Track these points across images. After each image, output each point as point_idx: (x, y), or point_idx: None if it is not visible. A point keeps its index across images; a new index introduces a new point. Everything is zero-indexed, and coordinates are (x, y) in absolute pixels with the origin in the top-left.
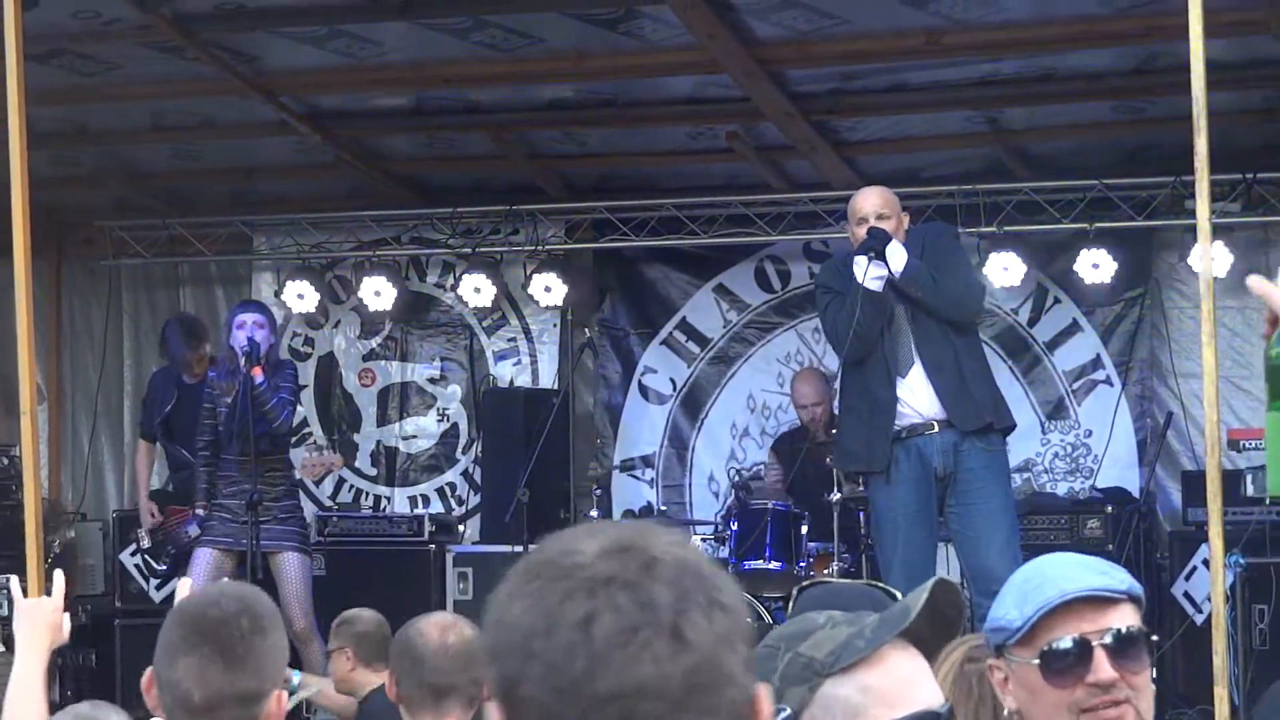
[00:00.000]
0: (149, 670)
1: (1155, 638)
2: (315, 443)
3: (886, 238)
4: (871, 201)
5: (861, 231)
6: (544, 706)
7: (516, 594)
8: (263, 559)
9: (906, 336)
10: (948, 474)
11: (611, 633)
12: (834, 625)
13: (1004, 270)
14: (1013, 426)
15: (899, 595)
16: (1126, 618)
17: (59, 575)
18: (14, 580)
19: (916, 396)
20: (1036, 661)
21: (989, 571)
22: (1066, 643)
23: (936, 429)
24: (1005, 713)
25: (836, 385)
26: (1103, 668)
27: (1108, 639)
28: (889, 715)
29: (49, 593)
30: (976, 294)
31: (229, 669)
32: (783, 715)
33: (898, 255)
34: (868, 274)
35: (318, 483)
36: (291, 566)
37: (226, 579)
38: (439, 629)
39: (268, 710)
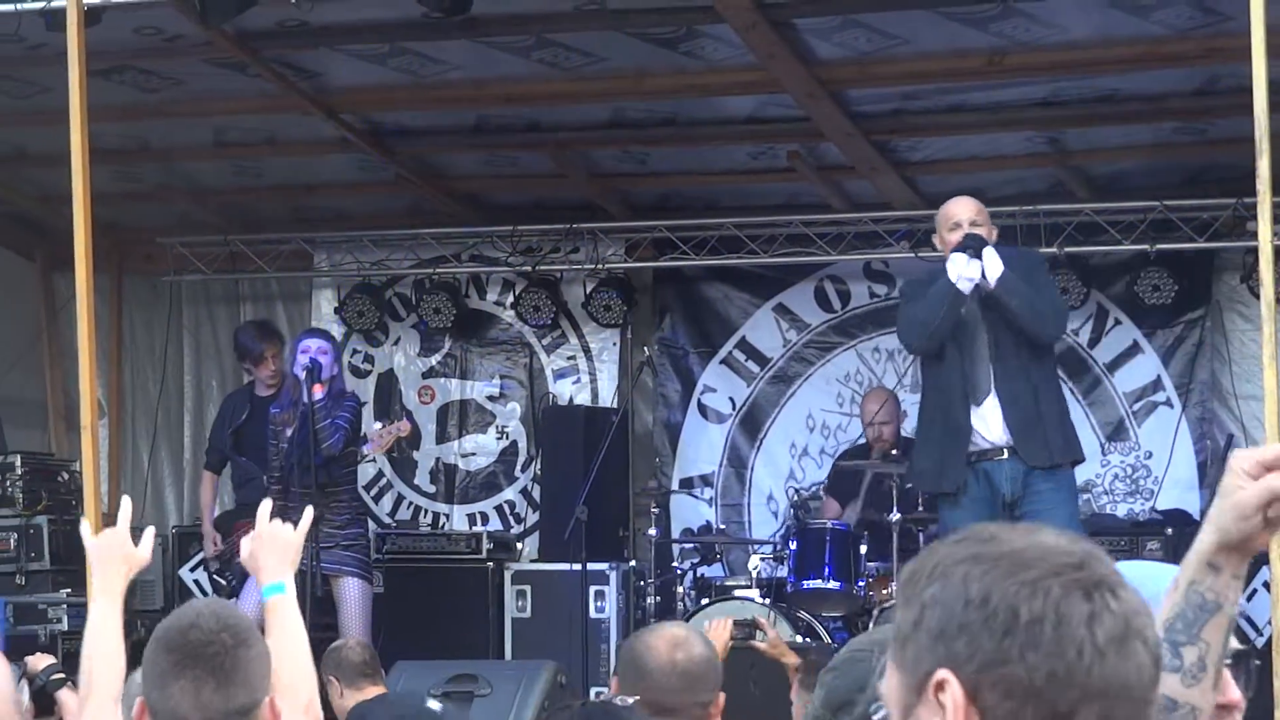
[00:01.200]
0: (139, 700)
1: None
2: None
3: (983, 242)
4: (967, 208)
5: (953, 237)
6: (1033, 688)
7: (1005, 582)
8: (324, 580)
9: (986, 364)
10: (1015, 499)
11: (1111, 632)
12: None
13: (1064, 292)
14: (1081, 459)
15: None
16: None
17: (125, 501)
18: (84, 522)
19: (989, 424)
20: None
21: None
22: None
23: (1006, 455)
24: None
25: (904, 408)
26: (1233, 689)
27: (1232, 659)
28: None
29: (115, 523)
30: (1063, 315)
31: (221, 687)
32: (881, 713)
33: (995, 263)
34: (962, 272)
35: (377, 499)
36: (352, 592)
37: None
38: (669, 645)
39: (262, 716)
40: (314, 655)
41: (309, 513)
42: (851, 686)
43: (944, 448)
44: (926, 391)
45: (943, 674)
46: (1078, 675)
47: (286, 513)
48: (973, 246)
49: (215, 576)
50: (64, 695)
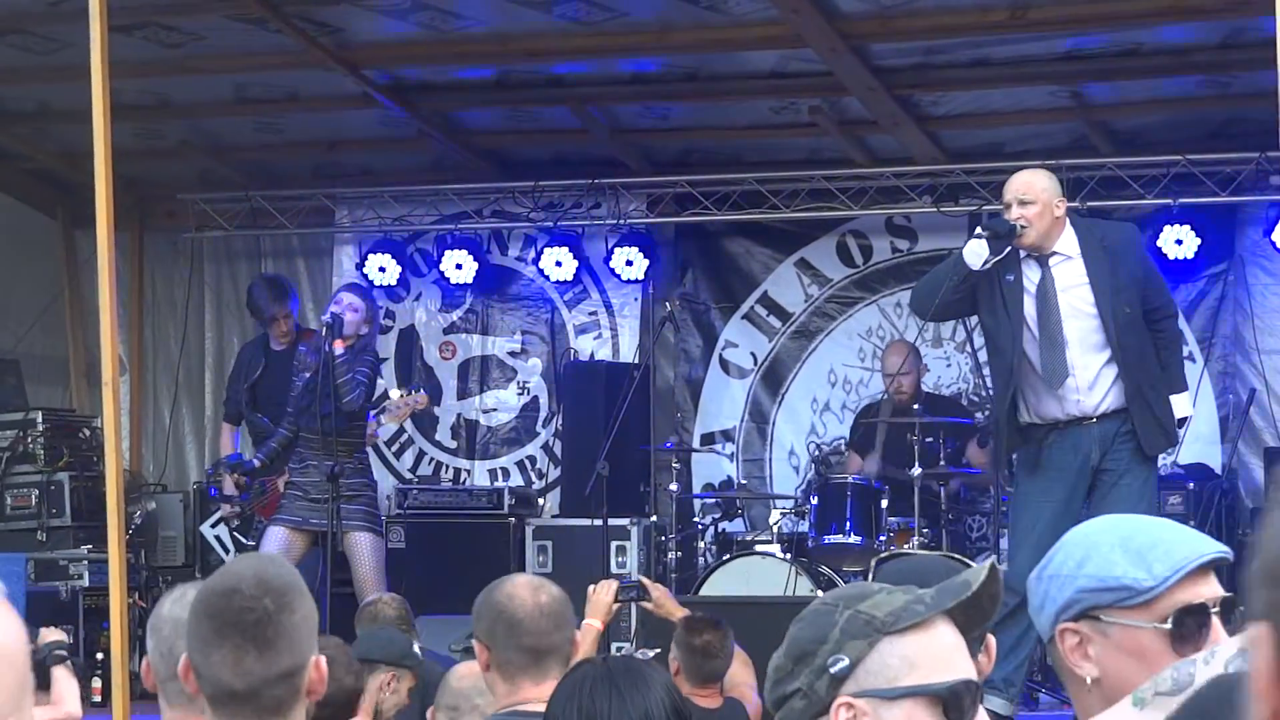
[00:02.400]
0: (184, 657)
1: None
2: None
3: (1006, 229)
4: (1014, 186)
5: (1007, 215)
6: None
7: None
8: (330, 540)
9: (1062, 347)
10: (1099, 463)
11: None
12: (890, 592)
13: None
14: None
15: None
16: (1219, 584)
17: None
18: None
19: (1082, 402)
20: (1167, 626)
21: None
22: (1195, 608)
23: (1095, 420)
24: (1087, 681)
25: (926, 362)
26: (1223, 635)
27: (1219, 606)
28: (936, 678)
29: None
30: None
31: (263, 655)
32: (840, 665)
33: (1183, 403)
34: (972, 249)
35: (399, 454)
36: (363, 547)
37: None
38: (530, 590)
39: (310, 678)
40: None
41: None
42: (814, 638)
43: (1000, 440)
44: (995, 366)
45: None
46: None
47: (302, 459)
48: (990, 229)
49: (236, 534)
50: (58, 673)
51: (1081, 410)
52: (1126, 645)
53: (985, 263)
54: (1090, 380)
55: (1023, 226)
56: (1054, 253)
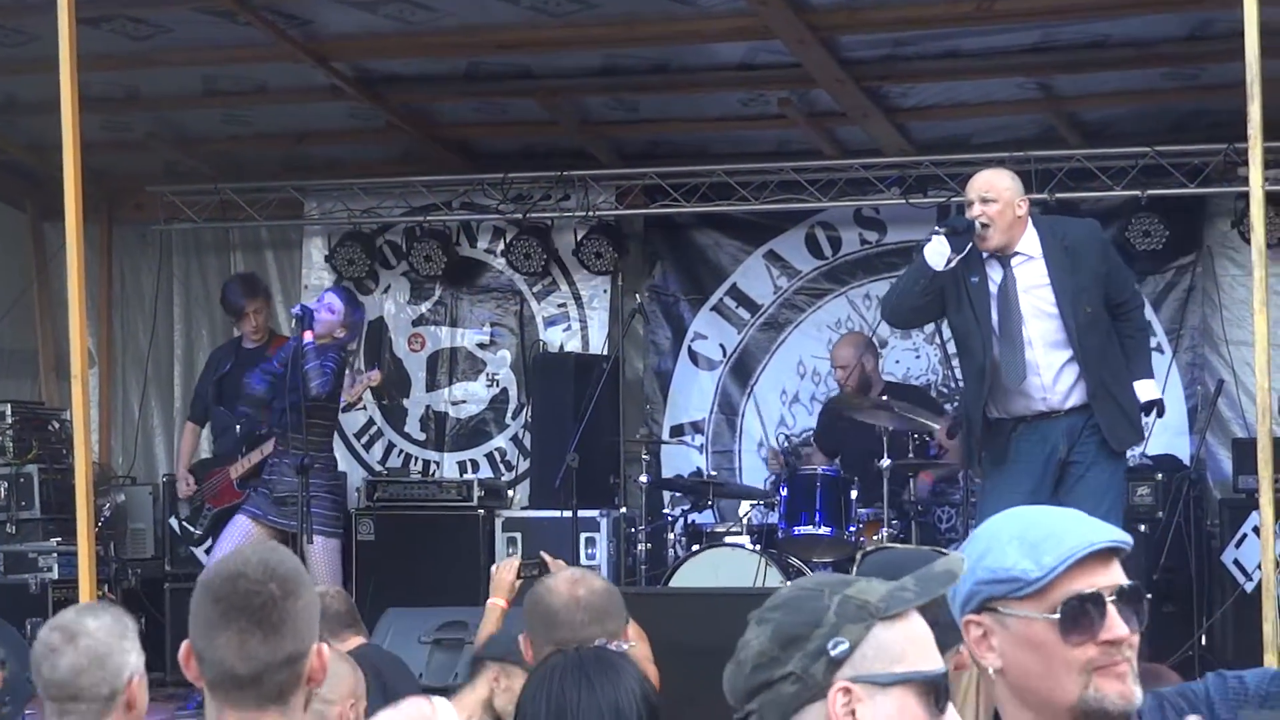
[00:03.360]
0: (185, 643)
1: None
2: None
3: (965, 226)
4: (978, 184)
5: (969, 213)
6: None
7: None
8: (292, 539)
9: (1021, 348)
10: (1067, 455)
11: None
12: (868, 580)
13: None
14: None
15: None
16: (1123, 574)
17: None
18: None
19: (1047, 398)
20: (1056, 616)
21: None
22: (1088, 597)
23: (1063, 414)
24: (990, 673)
25: (881, 351)
26: (1119, 624)
27: (1116, 595)
28: (925, 666)
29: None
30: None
31: (268, 639)
32: (841, 647)
33: (1148, 387)
34: (933, 249)
35: (368, 446)
36: (315, 549)
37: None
38: (569, 584)
39: (311, 665)
40: None
41: None
42: (806, 621)
43: (970, 436)
44: (966, 371)
45: None
46: None
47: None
48: (948, 226)
49: (185, 523)
50: None
51: (1048, 405)
52: (1023, 636)
53: (948, 262)
54: (1054, 378)
55: (983, 224)
56: (1016, 253)
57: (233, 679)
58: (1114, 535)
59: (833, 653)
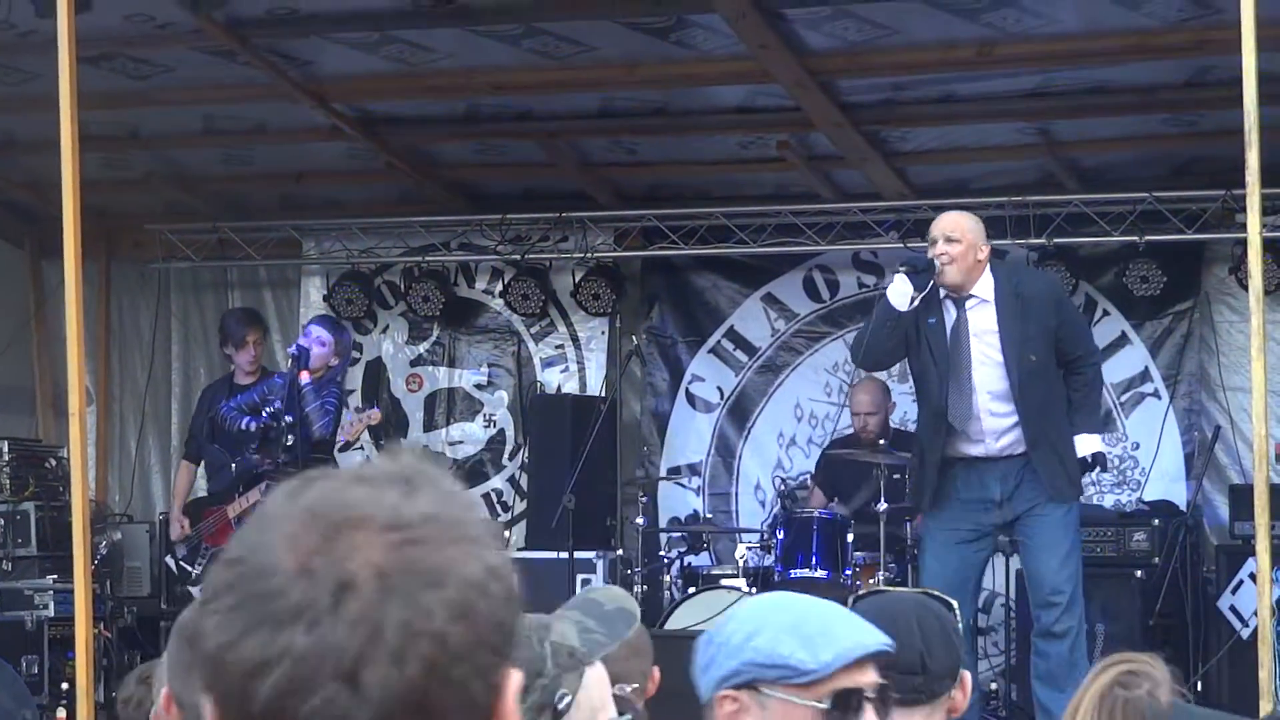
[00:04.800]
0: (165, 690)
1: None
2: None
3: (925, 265)
4: (944, 224)
5: (930, 253)
6: None
7: (208, 604)
8: None
9: (970, 392)
10: (1006, 499)
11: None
12: (557, 619)
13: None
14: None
15: (954, 604)
16: (877, 673)
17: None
18: None
19: (985, 445)
20: (824, 705)
21: (1050, 584)
22: (853, 691)
23: (1001, 459)
24: None
25: (894, 399)
26: (872, 717)
27: (875, 692)
28: (612, 710)
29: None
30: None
31: None
32: (566, 700)
33: (1091, 443)
34: (897, 289)
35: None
36: None
37: None
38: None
39: None
40: None
41: None
42: (526, 671)
43: (919, 472)
44: (923, 415)
45: None
46: None
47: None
48: (913, 265)
49: (182, 562)
50: None
51: (986, 450)
52: (781, 717)
53: (911, 301)
54: (994, 425)
55: (944, 263)
56: (971, 295)
57: None
58: (880, 640)
59: (559, 706)
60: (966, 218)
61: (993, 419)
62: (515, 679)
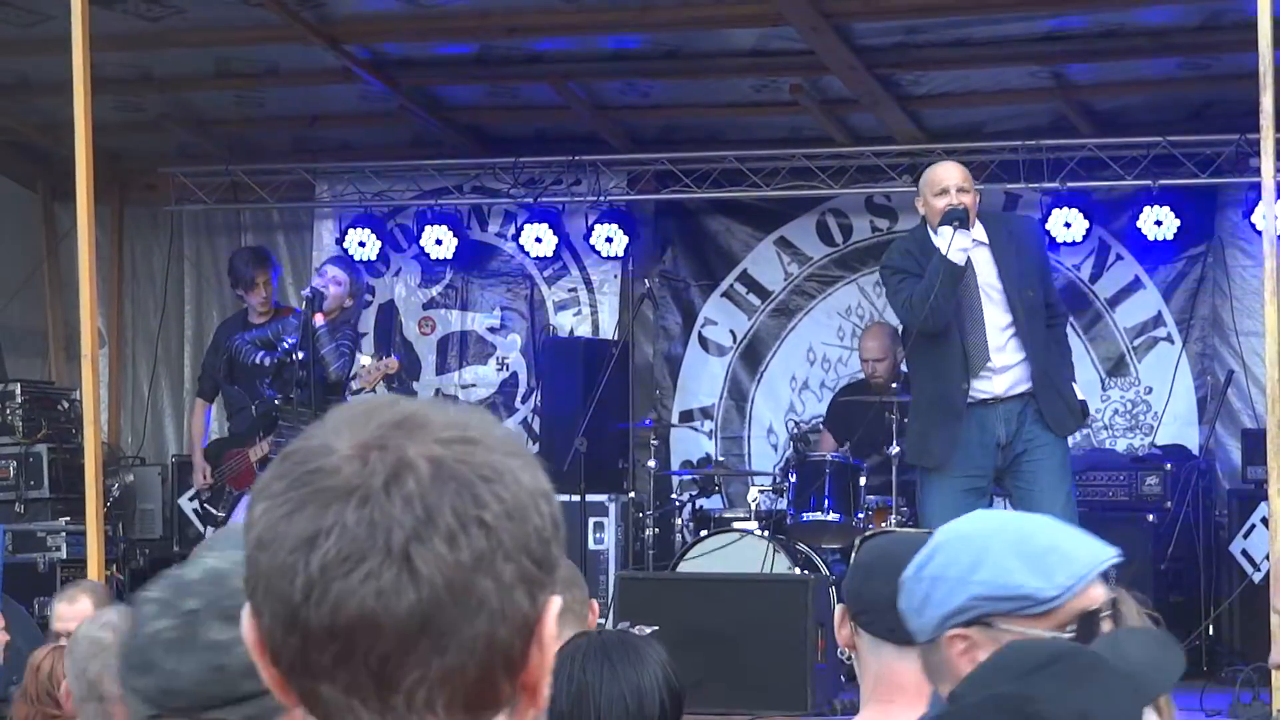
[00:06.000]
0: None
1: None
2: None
3: (966, 215)
4: (955, 174)
5: (939, 203)
6: (270, 635)
7: (260, 493)
8: None
9: (982, 332)
10: (1010, 442)
11: (333, 559)
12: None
13: (1066, 227)
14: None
15: None
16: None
17: None
18: None
19: (992, 384)
20: (1069, 634)
21: None
22: (1093, 613)
23: (1002, 400)
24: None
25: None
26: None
27: (1108, 610)
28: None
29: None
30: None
31: None
32: None
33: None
34: (953, 244)
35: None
36: None
37: None
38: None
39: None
40: None
41: None
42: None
43: (929, 422)
44: (918, 362)
45: None
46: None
47: (283, 433)
48: (959, 218)
49: (207, 505)
50: None
51: (992, 392)
52: None
53: (967, 250)
54: (1004, 363)
55: (961, 208)
56: (973, 240)
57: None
58: (1112, 552)
59: None
60: (963, 168)
61: (1001, 354)
62: (556, 604)
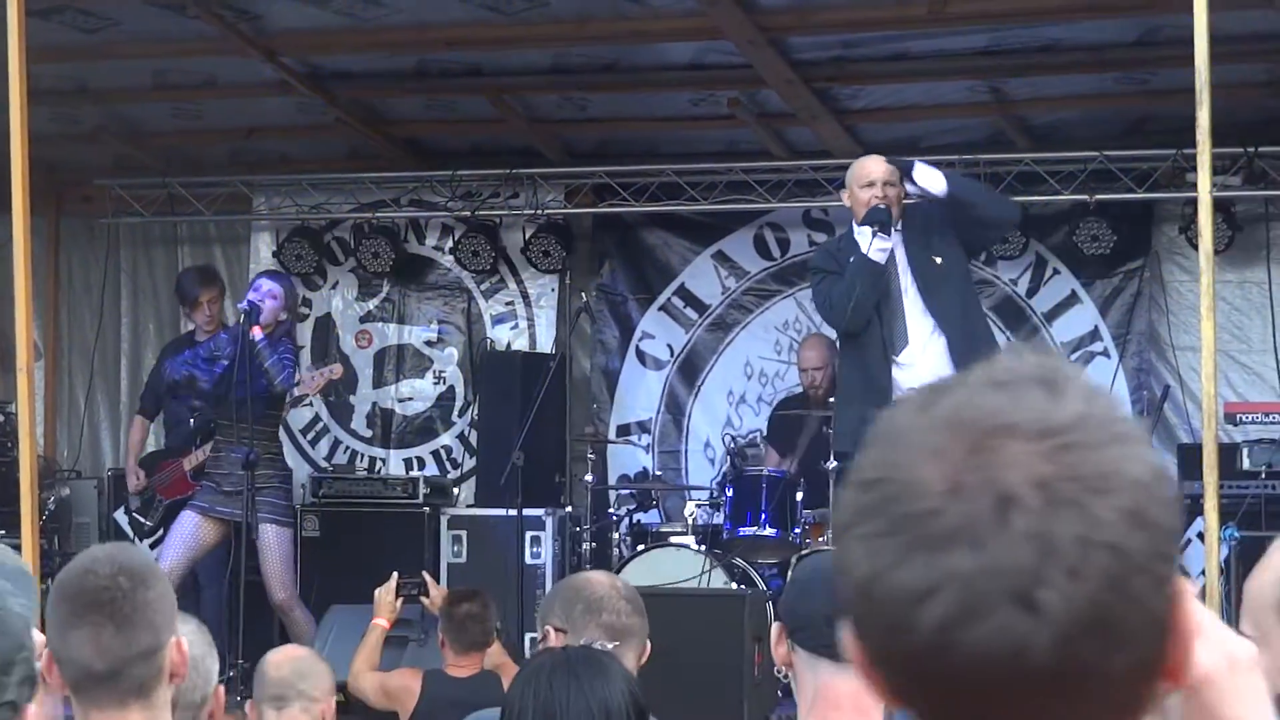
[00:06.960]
0: (46, 651)
1: None
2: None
3: (888, 215)
4: (881, 168)
5: (865, 195)
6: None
7: (849, 530)
8: (246, 530)
9: (901, 317)
10: None
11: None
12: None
13: (1004, 241)
14: None
15: None
16: None
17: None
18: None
19: (916, 371)
20: None
21: None
22: None
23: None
24: None
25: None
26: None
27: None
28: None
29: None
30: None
31: (121, 631)
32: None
33: (933, 174)
34: (873, 246)
35: (314, 443)
36: (268, 539)
37: (194, 548)
38: (606, 577)
39: (171, 658)
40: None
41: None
42: (14, 645)
43: (864, 406)
44: (845, 350)
45: None
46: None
47: (217, 448)
48: (879, 221)
49: (135, 515)
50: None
51: (918, 376)
52: None
53: (887, 251)
54: (919, 339)
55: (890, 204)
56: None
57: (91, 676)
58: None
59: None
60: (887, 163)
61: (917, 331)
62: (1187, 587)
